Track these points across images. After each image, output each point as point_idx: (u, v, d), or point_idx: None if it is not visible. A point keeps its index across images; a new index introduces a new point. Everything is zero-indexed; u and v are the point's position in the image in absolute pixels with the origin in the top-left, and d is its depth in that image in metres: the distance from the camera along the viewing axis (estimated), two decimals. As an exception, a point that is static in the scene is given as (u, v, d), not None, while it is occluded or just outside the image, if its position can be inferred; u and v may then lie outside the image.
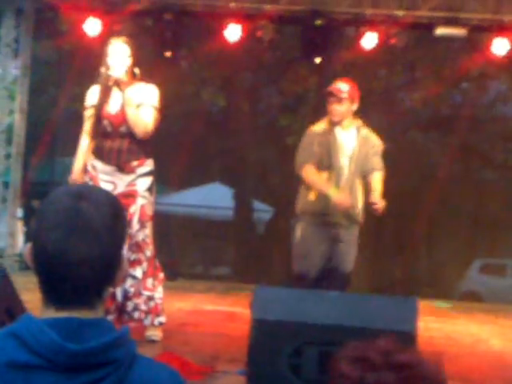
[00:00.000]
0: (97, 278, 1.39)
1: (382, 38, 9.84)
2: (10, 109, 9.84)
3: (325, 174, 5.55)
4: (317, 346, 3.18)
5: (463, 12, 9.47)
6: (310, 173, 5.59)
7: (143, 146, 5.09)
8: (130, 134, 5.05)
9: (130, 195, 5.01)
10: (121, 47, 5.06)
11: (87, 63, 12.63)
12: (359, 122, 5.71)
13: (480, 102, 16.01)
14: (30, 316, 1.38)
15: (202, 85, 15.38)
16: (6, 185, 9.82)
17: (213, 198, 18.31)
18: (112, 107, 5.08)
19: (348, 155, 5.58)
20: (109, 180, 5.06)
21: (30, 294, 5.05)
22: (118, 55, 5.02)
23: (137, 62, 5.13)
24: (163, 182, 17.62)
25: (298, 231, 5.74)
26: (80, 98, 15.53)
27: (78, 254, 1.36)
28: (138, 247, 5.04)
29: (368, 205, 5.51)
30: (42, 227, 1.39)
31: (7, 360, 1.32)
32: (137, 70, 5.12)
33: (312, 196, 5.60)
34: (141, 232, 5.06)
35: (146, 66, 12.97)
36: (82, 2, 9.41)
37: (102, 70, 5.04)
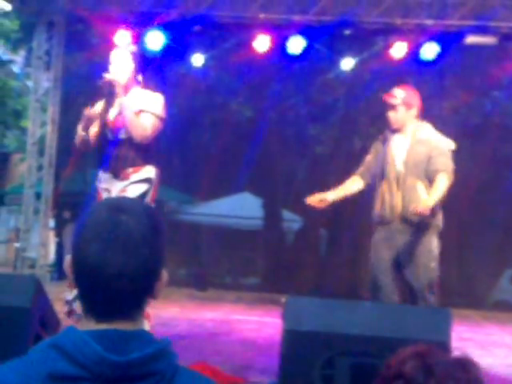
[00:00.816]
0: (136, 290, 1.40)
1: (411, 47, 9.81)
2: (42, 121, 9.94)
3: (382, 183, 5.47)
4: (349, 357, 3.17)
5: (493, 20, 9.41)
6: (345, 182, 5.66)
7: (141, 152, 5.03)
8: (128, 141, 5.02)
9: None
10: (122, 53, 5.12)
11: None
12: (420, 125, 5.56)
13: (510, 110, 15.86)
14: (73, 327, 1.39)
15: (231, 95, 15.43)
16: (38, 196, 9.91)
17: (242, 208, 18.32)
18: (112, 113, 5.10)
19: (402, 160, 5.45)
20: (105, 187, 5.08)
21: (61, 304, 5.10)
22: (119, 60, 5.06)
23: (140, 68, 5.14)
24: (192, 191, 17.70)
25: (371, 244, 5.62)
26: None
27: (118, 266, 1.37)
28: None
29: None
30: (81, 239, 1.41)
31: (49, 371, 1.33)
32: (140, 77, 5.13)
33: (376, 207, 5.54)
34: None
35: (176, 77, 13.03)
36: (112, 15, 9.50)
37: (104, 76, 5.08)
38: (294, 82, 14.53)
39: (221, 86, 15.15)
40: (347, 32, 9.85)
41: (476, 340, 7.46)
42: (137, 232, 1.39)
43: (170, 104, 16.19)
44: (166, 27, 9.68)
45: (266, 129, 15.51)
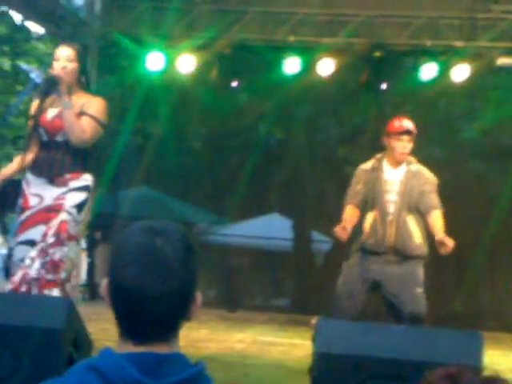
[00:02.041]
0: (173, 314, 1.42)
1: (441, 69, 9.81)
2: (74, 142, 10.06)
3: (372, 212, 5.57)
4: (381, 380, 3.16)
5: (524, 41, 9.40)
6: (345, 212, 5.68)
7: (80, 158, 4.74)
8: (67, 145, 4.72)
9: (54, 209, 4.63)
10: (64, 50, 4.81)
11: (148, 97, 12.89)
12: (410, 158, 5.72)
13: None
14: (110, 350, 1.41)
15: (261, 117, 15.50)
16: (70, 217, 9.99)
17: (271, 229, 18.30)
18: (49, 113, 4.80)
19: (396, 191, 5.56)
20: (36, 193, 4.71)
21: (93, 324, 5.14)
22: (61, 57, 4.77)
23: (84, 70, 4.88)
24: (222, 213, 17.74)
25: (346, 263, 5.78)
26: (141, 132, 15.81)
27: (155, 290, 1.39)
28: (53, 267, 4.58)
29: (438, 244, 5.46)
30: (118, 264, 1.43)
31: (87, 393, 1.35)
32: (82, 79, 4.85)
33: (364, 235, 5.61)
34: (57, 250, 4.57)
35: (206, 99, 13.10)
36: (144, 38, 9.63)
37: (49, 72, 4.78)
38: (324, 104, 14.57)
39: (250, 107, 15.24)
40: (377, 54, 9.88)
41: (508, 364, 7.37)
42: (172, 255, 1.41)
43: (200, 124, 16.35)
44: (197, 50, 9.79)
45: (296, 150, 15.54)
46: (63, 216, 4.59)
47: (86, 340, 3.70)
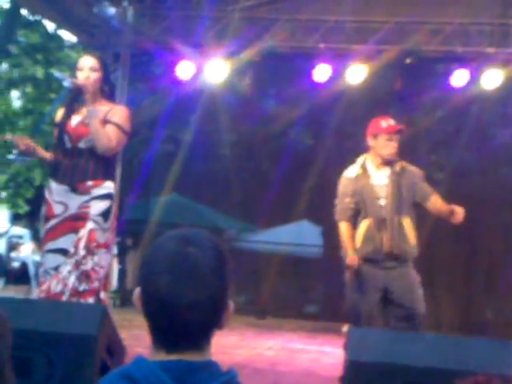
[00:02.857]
0: (206, 321, 1.44)
1: (472, 75, 9.76)
2: (106, 150, 10.14)
3: (366, 221, 5.50)
4: (412, 389, 3.16)
5: (557, 48, 9.31)
6: (342, 232, 5.63)
7: (102, 165, 4.75)
8: (89, 152, 4.74)
9: (81, 218, 4.65)
10: (87, 60, 4.86)
11: (180, 105, 12.98)
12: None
13: None
14: (143, 358, 1.43)
15: (290, 124, 15.52)
16: (102, 223, 10.07)
17: (301, 236, 18.29)
18: (74, 120, 4.83)
19: (385, 195, 5.49)
20: (60, 201, 4.70)
21: (124, 331, 5.18)
22: (84, 67, 4.81)
23: (107, 79, 4.91)
24: (251, 219, 17.76)
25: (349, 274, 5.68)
26: (173, 140, 15.87)
27: (188, 298, 1.41)
28: (87, 277, 4.62)
29: (449, 214, 5.40)
30: (151, 272, 1.44)
31: (120, 401, 1.38)
32: (106, 88, 4.88)
33: (358, 243, 5.55)
34: (89, 260, 4.62)
35: (236, 106, 13.15)
36: (175, 47, 9.70)
37: (74, 81, 4.79)
38: (354, 111, 14.55)
39: (280, 114, 15.26)
40: (408, 61, 9.85)
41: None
42: (205, 264, 1.43)
43: (229, 132, 16.41)
44: (228, 58, 9.84)
45: (325, 157, 15.53)
46: (90, 225, 4.63)
47: (119, 346, 3.74)
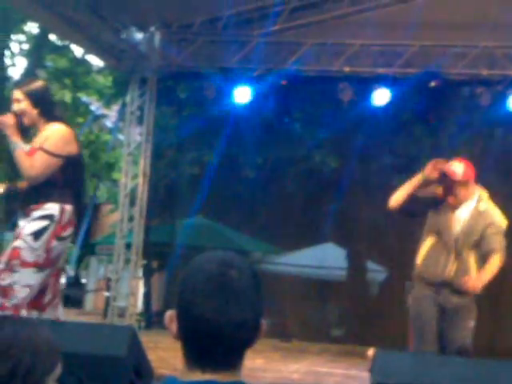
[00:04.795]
0: (248, 341, 1.48)
1: (497, 98, 9.75)
2: (133, 173, 10.25)
3: (433, 239, 5.53)
4: (439, 412, 3.16)
5: None
6: (426, 244, 5.60)
7: (44, 189, 4.84)
8: None
9: (15, 238, 4.81)
10: (13, 95, 4.96)
11: (206, 128, 13.08)
12: (481, 195, 5.59)
13: None
14: (173, 378, 1.46)
15: (315, 147, 15.55)
16: (129, 246, 10.16)
17: (326, 259, 18.25)
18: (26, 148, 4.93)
19: (460, 228, 5.49)
20: (18, 225, 4.89)
21: (151, 352, 5.20)
22: (13, 101, 4.92)
23: (36, 104, 4.88)
24: (276, 242, 17.77)
25: (410, 297, 5.70)
26: (198, 162, 15.89)
27: (236, 319, 1.45)
28: (2, 292, 4.67)
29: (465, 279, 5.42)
30: (194, 295, 1.46)
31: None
32: (43, 110, 4.90)
33: (419, 262, 5.58)
34: (7, 276, 4.68)
35: (261, 129, 13.18)
36: (201, 71, 9.80)
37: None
38: (379, 133, 14.57)
39: (305, 137, 15.31)
40: (432, 84, 9.88)
41: None
42: (247, 285, 1.48)
43: (255, 155, 16.40)
44: (253, 81, 9.92)
45: (350, 179, 15.53)
46: (16, 243, 4.75)
47: (147, 368, 3.77)
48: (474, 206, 5.54)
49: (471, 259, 5.50)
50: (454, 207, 5.55)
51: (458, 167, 5.51)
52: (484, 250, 5.47)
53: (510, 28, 9.49)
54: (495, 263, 5.42)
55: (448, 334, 5.52)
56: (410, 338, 5.79)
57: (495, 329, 14.44)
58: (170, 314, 1.52)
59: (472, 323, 5.54)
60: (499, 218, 5.55)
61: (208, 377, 1.45)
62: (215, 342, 1.46)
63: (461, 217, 5.54)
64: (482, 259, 5.48)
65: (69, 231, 4.88)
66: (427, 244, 5.61)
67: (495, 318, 14.53)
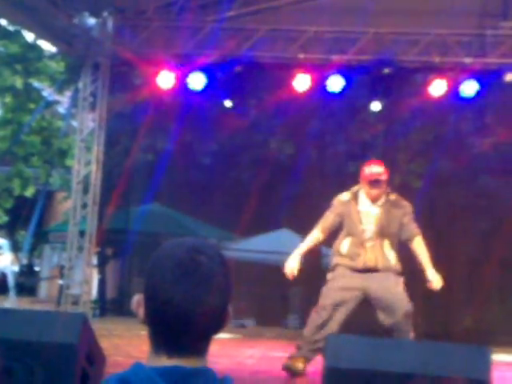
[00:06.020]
0: (216, 327, 1.48)
1: (450, 85, 9.86)
2: (86, 160, 10.16)
3: (351, 238, 6.16)
4: (390, 395, 3.19)
5: (532, 58, 9.44)
6: (309, 236, 6.56)
7: None
8: None
9: None
10: None
11: (160, 115, 12.99)
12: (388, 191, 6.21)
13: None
14: (141, 364, 1.46)
15: (271, 133, 15.58)
16: (82, 233, 10.08)
17: (281, 244, 18.30)
18: None
19: (372, 220, 6.07)
20: None
21: (105, 340, 5.19)
22: None
23: None
24: (231, 228, 17.79)
25: (330, 275, 6.49)
26: (152, 149, 15.78)
27: (206, 304, 1.44)
28: None
29: (425, 282, 5.89)
30: (163, 281, 1.45)
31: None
32: None
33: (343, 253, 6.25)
34: None
35: (216, 116, 13.15)
36: (155, 57, 9.72)
37: None
38: (333, 120, 14.65)
39: (261, 123, 15.32)
40: (386, 71, 9.95)
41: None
42: (217, 271, 1.48)
43: (210, 141, 16.35)
44: (208, 68, 9.88)
45: (306, 166, 15.60)
46: None
47: (99, 355, 3.74)
48: (385, 200, 6.13)
49: (386, 246, 6.10)
50: (362, 204, 6.17)
51: (379, 168, 6.14)
52: (405, 238, 6.10)
53: (463, 15, 9.60)
54: (423, 246, 6.06)
55: (384, 315, 6.09)
56: None
57: (448, 314, 14.68)
58: (137, 298, 1.51)
59: (401, 288, 6.05)
60: (409, 205, 6.19)
61: (174, 362, 1.45)
62: (183, 327, 1.45)
63: (371, 210, 6.14)
64: (396, 242, 6.10)
65: None
66: (345, 242, 6.27)
67: (448, 305, 14.78)
